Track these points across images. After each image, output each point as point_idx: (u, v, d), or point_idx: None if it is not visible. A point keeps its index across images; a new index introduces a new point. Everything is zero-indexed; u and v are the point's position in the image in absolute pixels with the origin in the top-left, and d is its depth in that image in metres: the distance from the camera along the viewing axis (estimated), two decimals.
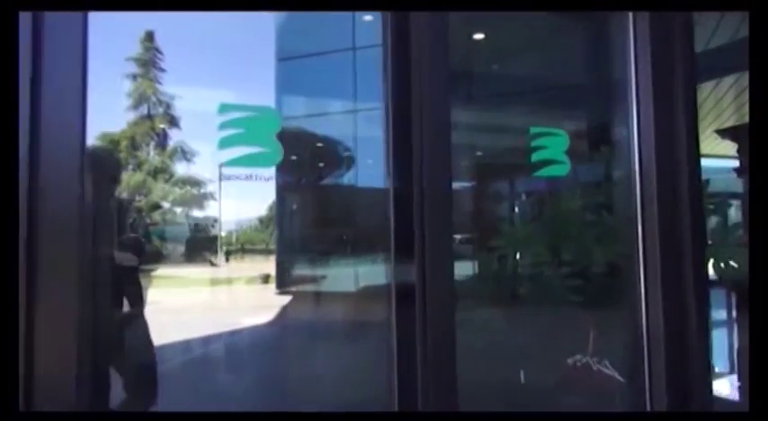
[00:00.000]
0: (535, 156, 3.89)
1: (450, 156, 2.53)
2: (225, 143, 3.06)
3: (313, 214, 11.91)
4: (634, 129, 3.07)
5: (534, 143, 3.91)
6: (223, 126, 3.02)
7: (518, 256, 6.22)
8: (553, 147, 3.92)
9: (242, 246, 11.17)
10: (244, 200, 10.12)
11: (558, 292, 5.12)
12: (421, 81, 2.49)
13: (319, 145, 11.37)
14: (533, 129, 3.95)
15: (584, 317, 5.11)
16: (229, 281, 10.66)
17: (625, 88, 3.13)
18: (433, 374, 2.43)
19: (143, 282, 4.48)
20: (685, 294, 2.92)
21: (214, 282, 10.25)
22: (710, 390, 2.98)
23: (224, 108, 3.00)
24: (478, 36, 7.73)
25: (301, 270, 11.46)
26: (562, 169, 3.94)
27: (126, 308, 4.21)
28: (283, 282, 10.70)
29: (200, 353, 7.64)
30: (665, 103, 2.99)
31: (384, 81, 2.66)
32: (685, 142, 2.97)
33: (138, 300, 4.37)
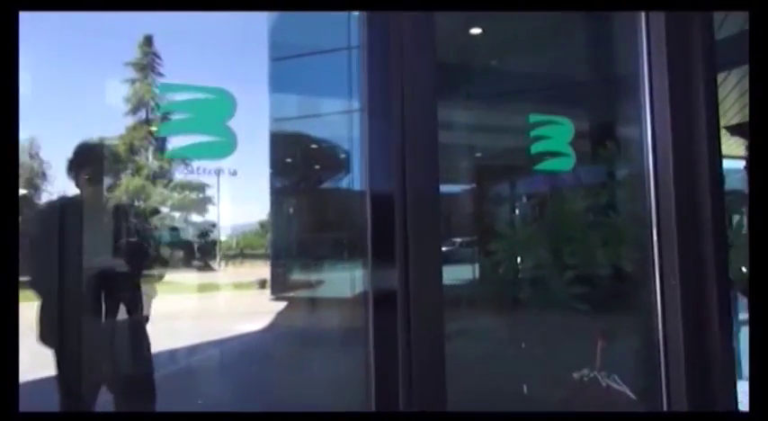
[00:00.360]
0: (536, 148, 3.47)
1: (436, 155, 2.40)
2: (167, 130, 2.65)
3: (312, 218, 11.85)
4: (647, 124, 2.89)
5: (534, 133, 3.48)
6: (165, 110, 2.61)
7: (518, 261, 5.73)
8: (556, 137, 3.50)
9: (241, 251, 11.11)
10: (243, 204, 10.08)
11: (562, 300, 4.68)
12: (404, 78, 2.35)
13: (314, 146, 11.31)
14: (533, 118, 3.53)
15: (591, 327, 4.65)
16: (228, 286, 10.60)
17: (636, 80, 2.96)
18: (418, 388, 2.29)
19: (144, 287, 4.32)
20: (707, 300, 2.67)
21: (213, 287, 10.21)
22: (736, 404, 2.68)
23: (165, 88, 2.67)
24: (476, 31, 7.38)
25: (298, 275, 11.39)
26: (566, 163, 3.53)
27: (125, 315, 4.10)
28: (279, 288, 10.63)
29: (191, 363, 7.60)
30: (683, 94, 2.80)
31: (361, 77, 2.48)
32: (705, 136, 2.76)
33: (139, 307, 4.17)
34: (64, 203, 4.17)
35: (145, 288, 4.21)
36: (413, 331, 2.28)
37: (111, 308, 4.02)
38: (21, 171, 6.28)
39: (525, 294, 5.51)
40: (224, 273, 10.40)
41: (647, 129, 2.90)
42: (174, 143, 2.74)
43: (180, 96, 2.63)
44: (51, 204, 4.52)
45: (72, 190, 4.05)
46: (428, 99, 2.40)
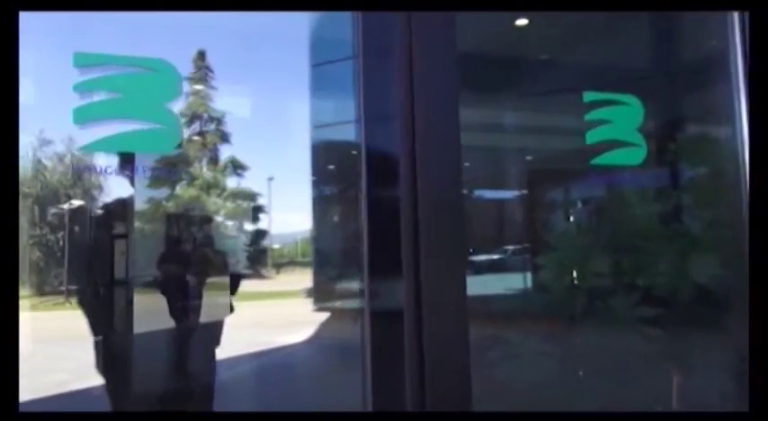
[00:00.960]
0: (593, 136, 2.74)
1: (457, 156, 2.20)
2: (84, 115, 2.02)
3: (356, 225, 11.78)
4: (743, 111, 2.59)
5: (591, 116, 2.76)
6: (83, 88, 1.99)
7: (573, 275, 4.67)
8: (620, 121, 2.76)
9: (292, 259, 11.14)
10: (295, 211, 10.14)
11: (626, 325, 3.84)
12: (413, 78, 2.20)
13: (355, 152, 11.26)
14: (588, 96, 2.79)
15: (664, 358, 3.88)
16: (281, 294, 10.59)
17: (716, 69, 2.67)
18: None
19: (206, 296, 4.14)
20: None
21: (264, 296, 10.21)
22: None
23: (82, 60, 1.99)
24: (522, 22, 6.47)
25: (343, 284, 11.29)
26: (634, 155, 2.77)
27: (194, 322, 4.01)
28: (323, 298, 10.53)
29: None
30: None
31: (356, 69, 2.28)
32: None
33: (199, 317, 4.04)
34: (116, 207, 3.92)
35: (207, 297, 4.13)
36: (426, 357, 2.06)
37: (178, 318, 3.92)
38: (78, 183, 6.40)
39: (581, 316, 4.54)
40: (275, 280, 10.43)
41: (743, 123, 2.62)
42: (96, 132, 2.10)
43: (105, 71, 2.06)
44: (105, 208, 4.18)
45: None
46: (446, 98, 2.26)
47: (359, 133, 2.27)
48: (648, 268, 3.94)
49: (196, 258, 4.25)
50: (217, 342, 4.08)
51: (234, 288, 4.32)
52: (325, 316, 10.06)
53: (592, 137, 2.75)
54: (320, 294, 10.24)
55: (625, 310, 3.85)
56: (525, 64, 7.08)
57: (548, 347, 4.99)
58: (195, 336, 4.08)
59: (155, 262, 3.95)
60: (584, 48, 6.57)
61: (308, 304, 10.17)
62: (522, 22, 6.40)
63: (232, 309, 4.23)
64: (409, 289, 2.10)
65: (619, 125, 2.77)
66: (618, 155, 2.77)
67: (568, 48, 6.85)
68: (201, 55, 7.76)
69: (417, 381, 2.07)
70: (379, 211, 2.21)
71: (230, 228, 9.64)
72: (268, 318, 9.64)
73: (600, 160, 2.75)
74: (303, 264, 11.14)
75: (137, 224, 4.01)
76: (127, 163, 3.63)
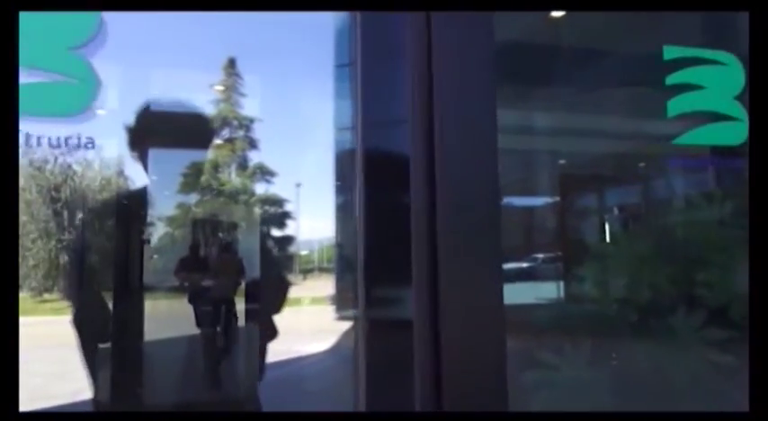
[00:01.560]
0: (677, 106, 2.17)
1: (492, 154, 2.04)
2: None
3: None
4: None
5: (673, 79, 2.19)
6: None
7: (623, 292, 3.89)
8: (714, 86, 2.19)
9: (319, 265, 11.20)
10: (322, 217, 10.23)
11: (690, 350, 3.22)
12: (435, 71, 2.06)
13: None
14: (669, 52, 2.19)
15: (740, 390, 3.16)
16: (300, 301, 10.65)
17: None
18: None
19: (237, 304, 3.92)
20: None
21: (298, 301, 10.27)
22: None
23: None
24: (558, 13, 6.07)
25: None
26: (735, 132, 2.20)
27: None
28: (346, 305, 10.45)
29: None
30: None
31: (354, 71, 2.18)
32: None
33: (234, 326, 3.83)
34: (145, 211, 3.68)
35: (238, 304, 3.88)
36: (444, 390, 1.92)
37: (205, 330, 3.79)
38: (108, 186, 6.50)
39: (632, 340, 3.77)
40: (301, 286, 10.49)
41: None
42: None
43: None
44: (133, 212, 3.75)
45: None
46: (476, 99, 2.10)
47: (355, 137, 2.22)
48: (715, 281, 3.32)
49: (231, 268, 4.06)
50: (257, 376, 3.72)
51: (279, 303, 3.80)
52: (347, 324, 9.99)
53: (675, 107, 2.20)
54: (342, 301, 10.24)
55: (686, 331, 3.26)
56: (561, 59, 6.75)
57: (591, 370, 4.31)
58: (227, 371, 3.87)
59: (180, 269, 3.86)
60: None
61: (330, 311, 10.22)
62: (557, 12, 6.12)
63: (276, 332, 3.75)
64: (421, 299, 1.98)
65: (712, 92, 2.22)
66: (709, 132, 2.24)
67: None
68: (232, 61, 7.84)
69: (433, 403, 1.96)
70: (378, 218, 2.14)
71: (262, 235, 9.79)
72: (297, 325, 9.67)
73: (687, 139, 2.23)
74: (329, 270, 11.21)
75: (167, 230, 3.97)
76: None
